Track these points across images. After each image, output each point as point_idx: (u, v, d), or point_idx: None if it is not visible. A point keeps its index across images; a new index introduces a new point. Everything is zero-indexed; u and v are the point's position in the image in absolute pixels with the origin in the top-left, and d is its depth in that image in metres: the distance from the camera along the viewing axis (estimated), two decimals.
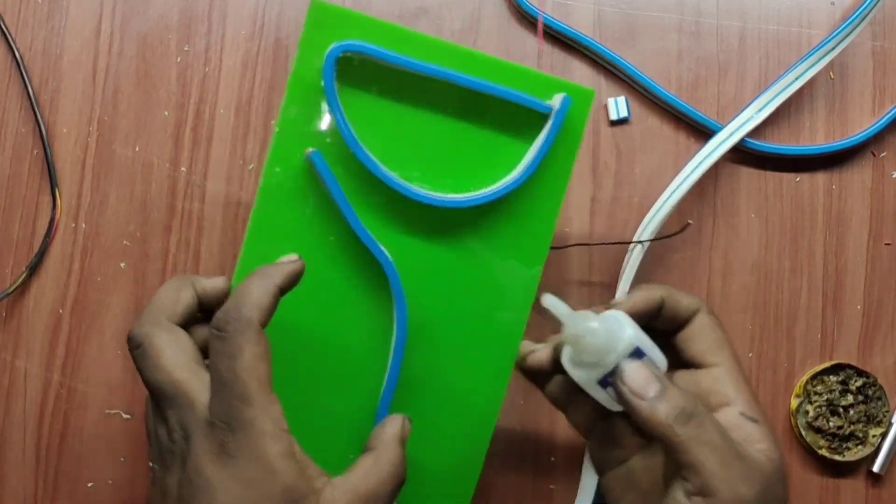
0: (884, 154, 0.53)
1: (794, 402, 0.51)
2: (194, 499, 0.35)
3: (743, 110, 0.51)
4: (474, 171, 0.43)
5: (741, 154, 0.53)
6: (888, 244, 0.53)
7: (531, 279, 0.44)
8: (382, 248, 0.42)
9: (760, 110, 0.51)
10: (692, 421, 0.36)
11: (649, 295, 0.40)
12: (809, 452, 0.51)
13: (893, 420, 0.51)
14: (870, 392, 0.51)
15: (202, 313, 0.41)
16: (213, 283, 0.41)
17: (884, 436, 0.51)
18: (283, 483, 0.35)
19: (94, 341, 0.51)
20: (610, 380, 0.38)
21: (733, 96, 0.53)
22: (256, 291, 0.37)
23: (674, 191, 0.50)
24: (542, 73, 0.43)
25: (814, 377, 0.51)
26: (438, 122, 0.43)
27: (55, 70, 0.52)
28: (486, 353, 0.44)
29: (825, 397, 0.50)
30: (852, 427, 0.50)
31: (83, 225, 0.51)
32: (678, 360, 0.41)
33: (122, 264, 0.51)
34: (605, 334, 0.37)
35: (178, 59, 0.52)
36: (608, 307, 0.40)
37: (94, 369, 0.51)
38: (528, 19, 0.53)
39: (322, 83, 0.41)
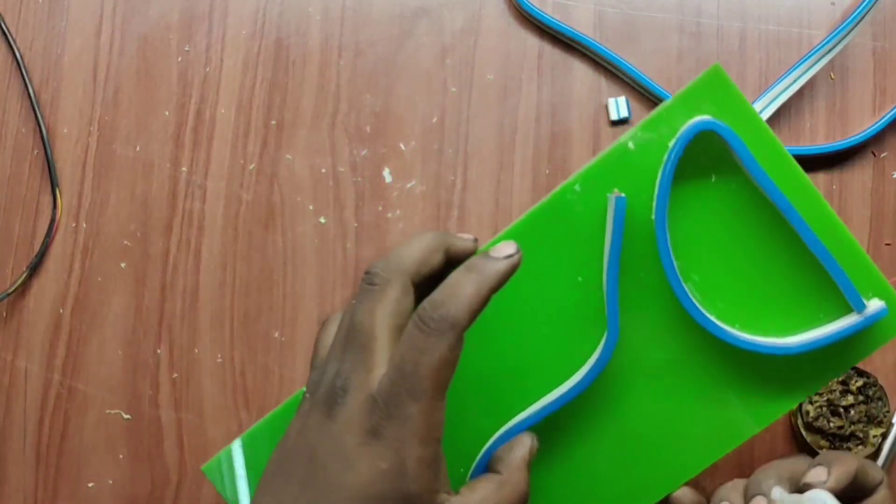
0: (884, 154, 0.53)
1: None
2: (325, 456, 0.35)
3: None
4: (753, 310, 0.41)
5: None
6: (888, 244, 0.53)
7: (745, 429, 0.41)
8: (617, 323, 0.39)
9: (761, 112, 0.51)
10: None
11: (847, 470, 0.42)
12: (810, 453, 0.51)
13: (894, 420, 0.51)
14: (870, 392, 0.51)
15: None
16: (463, 245, 0.38)
17: (884, 436, 0.51)
18: (409, 489, 0.34)
19: (94, 341, 0.51)
20: None
21: None
22: (469, 291, 0.34)
23: None
24: (877, 271, 0.40)
25: None
26: (750, 242, 0.40)
27: (56, 70, 0.52)
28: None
29: (825, 397, 0.50)
30: (853, 427, 0.50)
31: (84, 225, 0.51)
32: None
33: (123, 264, 0.51)
34: None
35: (179, 59, 0.52)
36: (805, 485, 0.42)
37: (94, 369, 0.51)
38: (528, 19, 0.53)
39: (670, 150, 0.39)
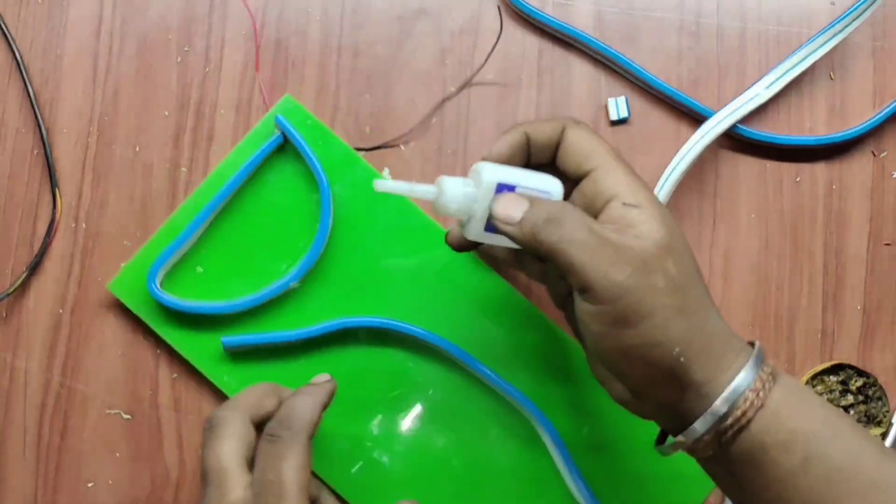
0: (884, 154, 0.53)
1: None
2: None
3: (743, 93, 0.52)
4: None
5: (740, 144, 0.53)
6: (888, 244, 0.53)
7: None
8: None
9: (756, 96, 0.51)
10: (552, 225, 0.37)
11: (510, 137, 0.40)
12: None
13: (893, 420, 0.51)
14: (870, 392, 0.51)
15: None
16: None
17: (884, 436, 0.51)
18: None
19: (94, 341, 0.51)
20: (491, 222, 0.39)
21: (733, 96, 0.53)
22: (308, 406, 0.41)
23: (669, 174, 0.50)
24: None
25: (814, 377, 0.51)
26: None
27: (55, 70, 0.52)
28: None
29: (825, 397, 0.50)
30: None
31: (83, 225, 0.51)
32: (566, 181, 0.41)
33: (123, 264, 0.51)
34: (460, 190, 0.38)
35: (179, 60, 0.52)
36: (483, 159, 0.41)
37: (94, 369, 0.51)
38: (527, 20, 0.53)
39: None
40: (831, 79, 0.53)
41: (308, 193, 0.51)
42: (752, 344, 0.38)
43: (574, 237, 0.36)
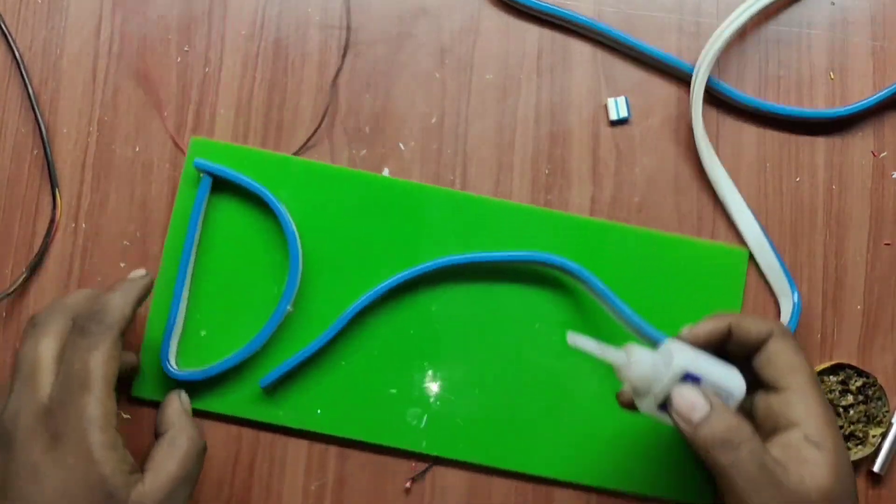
0: (884, 154, 0.53)
1: None
2: (18, 479, 0.38)
3: None
4: None
5: (743, 114, 0.53)
6: (888, 244, 0.53)
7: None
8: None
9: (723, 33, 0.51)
10: (727, 447, 0.38)
11: (715, 326, 0.42)
12: None
13: (893, 420, 0.51)
14: (870, 392, 0.51)
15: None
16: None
17: (884, 436, 0.51)
18: (100, 473, 0.38)
19: None
20: (667, 406, 0.40)
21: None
22: (119, 301, 0.41)
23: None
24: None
25: None
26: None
27: (55, 70, 0.52)
28: None
29: (825, 397, 0.50)
30: (852, 427, 0.50)
31: (83, 225, 0.51)
32: (759, 382, 0.42)
33: (122, 264, 0.51)
34: (647, 364, 0.39)
35: (178, 60, 0.53)
36: (679, 338, 0.42)
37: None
38: (526, 13, 0.53)
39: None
40: (831, 79, 0.53)
41: (264, 215, 0.51)
42: None
43: (744, 468, 0.38)
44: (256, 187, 0.50)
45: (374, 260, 0.51)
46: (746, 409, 0.42)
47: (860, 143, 0.53)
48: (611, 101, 0.52)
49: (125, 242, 0.51)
